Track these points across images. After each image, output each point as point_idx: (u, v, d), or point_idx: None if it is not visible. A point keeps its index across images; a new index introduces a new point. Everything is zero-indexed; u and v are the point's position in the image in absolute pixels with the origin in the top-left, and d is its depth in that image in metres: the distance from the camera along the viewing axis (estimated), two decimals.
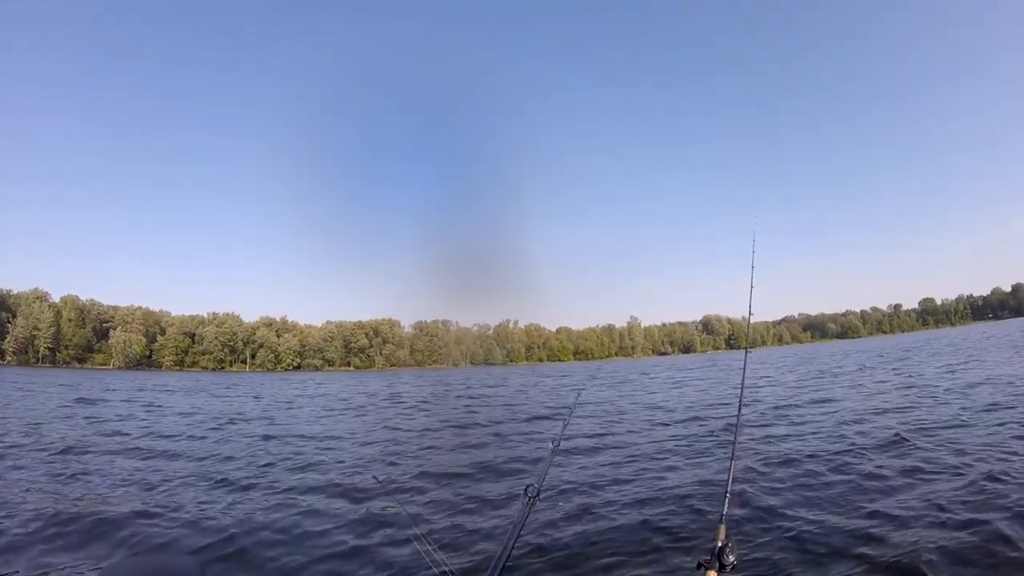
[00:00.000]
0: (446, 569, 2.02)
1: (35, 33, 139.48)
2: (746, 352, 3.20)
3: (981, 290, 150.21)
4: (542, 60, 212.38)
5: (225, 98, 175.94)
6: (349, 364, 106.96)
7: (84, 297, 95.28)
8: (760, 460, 6.68)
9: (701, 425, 10.01)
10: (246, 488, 6.62)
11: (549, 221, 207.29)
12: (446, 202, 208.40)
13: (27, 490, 6.31)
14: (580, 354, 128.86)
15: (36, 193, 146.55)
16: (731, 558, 2.06)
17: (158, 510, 5.59)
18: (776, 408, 11.52)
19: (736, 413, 2.85)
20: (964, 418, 8.47)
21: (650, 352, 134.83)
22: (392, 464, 8.07)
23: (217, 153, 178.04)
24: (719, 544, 2.11)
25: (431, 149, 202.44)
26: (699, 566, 2.09)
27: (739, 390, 3.24)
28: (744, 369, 3.15)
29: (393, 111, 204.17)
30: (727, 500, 2.44)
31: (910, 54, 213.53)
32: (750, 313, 3.41)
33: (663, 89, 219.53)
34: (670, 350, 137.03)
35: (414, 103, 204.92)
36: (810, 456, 6.77)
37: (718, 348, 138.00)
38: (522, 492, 2.18)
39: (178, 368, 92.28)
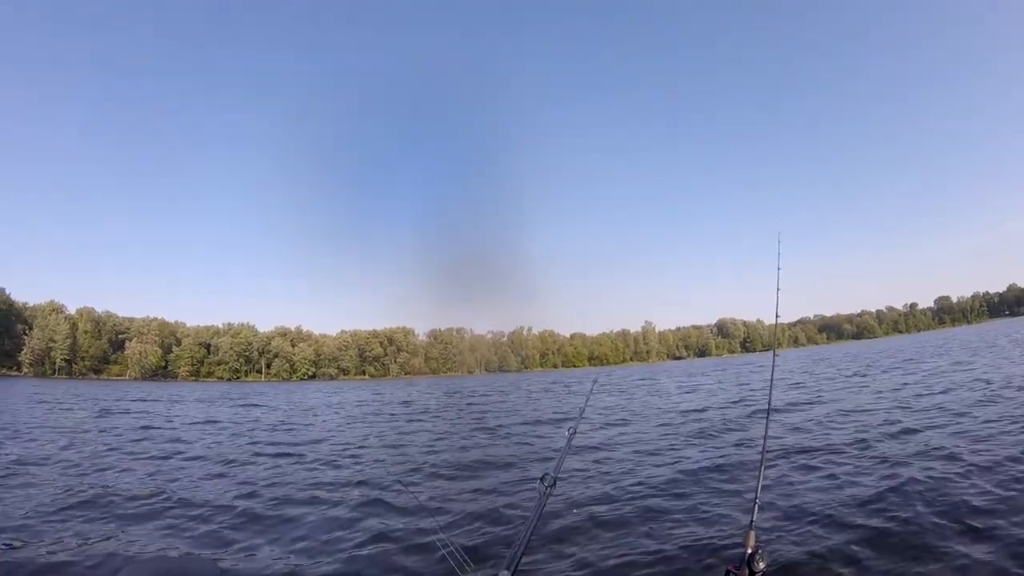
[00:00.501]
0: (465, 559, 2.00)
1: (35, 34, 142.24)
2: (774, 354, 3.10)
3: (996, 287, 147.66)
4: (542, 62, 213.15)
5: (227, 106, 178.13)
6: (364, 373, 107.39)
7: (100, 309, 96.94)
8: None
9: (713, 426, 9.91)
10: (267, 487, 6.74)
11: (553, 224, 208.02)
12: (448, 206, 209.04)
13: (55, 492, 6.40)
14: (595, 359, 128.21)
15: (47, 205, 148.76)
16: (761, 565, 2.01)
17: (179, 509, 5.70)
18: (776, 410, 11.35)
19: (765, 416, 2.77)
20: (955, 419, 8.34)
21: (665, 357, 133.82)
22: (408, 464, 8.18)
23: (219, 157, 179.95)
24: (749, 551, 2.06)
25: (431, 154, 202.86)
26: (727, 573, 2.04)
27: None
28: (772, 369, 3.05)
29: (393, 114, 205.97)
30: (756, 506, 2.38)
31: (910, 54, 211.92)
32: (777, 315, 3.31)
33: (663, 89, 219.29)
34: (685, 354, 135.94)
35: (414, 108, 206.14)
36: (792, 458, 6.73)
37: (733, 351, 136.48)
38: (539, 481, 2.14)
39: (194, 378, 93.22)
